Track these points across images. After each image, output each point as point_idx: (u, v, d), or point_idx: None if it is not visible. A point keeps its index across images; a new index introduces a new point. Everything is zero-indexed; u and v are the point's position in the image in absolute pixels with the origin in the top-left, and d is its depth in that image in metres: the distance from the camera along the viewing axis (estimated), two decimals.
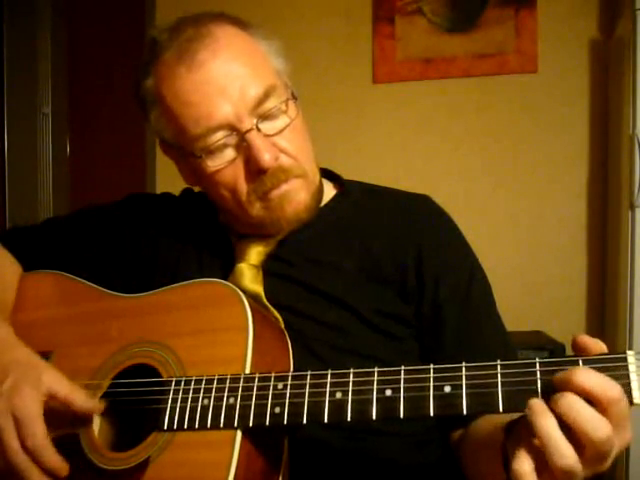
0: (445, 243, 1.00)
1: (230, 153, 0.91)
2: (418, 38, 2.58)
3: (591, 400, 0.60)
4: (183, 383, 0.80)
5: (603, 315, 2.48)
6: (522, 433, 0.64)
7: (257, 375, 0.77)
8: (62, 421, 0.83)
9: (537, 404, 0.62)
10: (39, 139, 2.15)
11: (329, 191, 1.06)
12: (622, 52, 2.20)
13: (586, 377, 0.61)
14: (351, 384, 0.72)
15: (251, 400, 0.75)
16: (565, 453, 0.60)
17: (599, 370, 0.62)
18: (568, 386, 0.61)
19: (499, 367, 0.66)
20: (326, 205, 1.04)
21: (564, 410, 0.60)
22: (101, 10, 2.48)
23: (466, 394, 0.66)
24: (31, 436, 0.77)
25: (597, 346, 0.64)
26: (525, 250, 2.54)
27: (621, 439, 0.62)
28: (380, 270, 0.97)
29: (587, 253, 2.51)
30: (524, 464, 0.62)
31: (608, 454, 0.61)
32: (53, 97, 2.17)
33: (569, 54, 2.50)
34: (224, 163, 0.92)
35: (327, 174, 1.09)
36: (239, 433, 0.75)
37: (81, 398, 0.82)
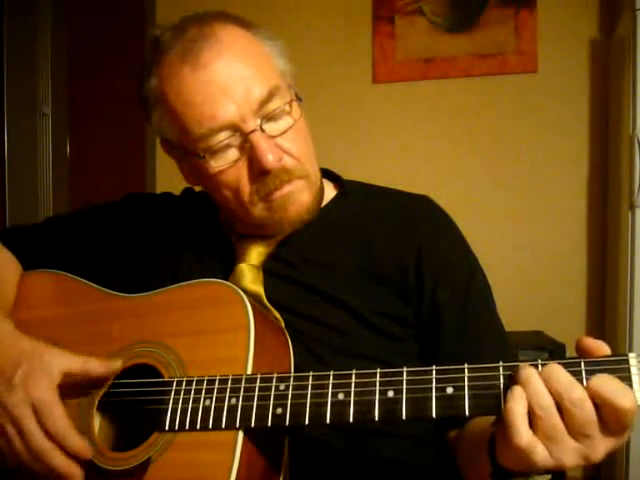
0: (445, 243, 1.00)
1: (233, 154, 0.91)
2: (418, 38, 2.59)
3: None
4: (184, 383, 0.80)
5: (603, 315, 2.48)
6: None
7: (259, 376, 0.76)
8: (76, 401, 0.85)
9: (525, 365, 0.64)
10: (39, 139, 2.15)
11: (329, 191, 1.06)
12: (622, 52, 2.20)
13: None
14: (353, 385, 0.71)
15: (253, 401, 0.75)
16: (543, 394, 0.61)
17: (603, 372, 0.62)
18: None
19: (501, 369, 0.66)
20: (326, 206, 1.04)
21: (545, 373, 0.62)
22: (101, 10, 2.48)
23: (468, 395, 0.66)
24: (53, 421, 0.77)
25: (601, 349, 0.64)
26: (525, 250, 2.54)
27: (589, 447, 0.61)
28: (380, 271, 0.97)
29: (587, 253, 2.51)
30: (518, 405, 0.62)
31: (579, 425, 0.60)
32: (53, 97, 2.17)
33: (569, 54, 2.50)
34: (227, 164, 0.91)
35: (327, 174, 1.09)
36: (241, 434, 0.75)
37: (96, 364, 0.84)
